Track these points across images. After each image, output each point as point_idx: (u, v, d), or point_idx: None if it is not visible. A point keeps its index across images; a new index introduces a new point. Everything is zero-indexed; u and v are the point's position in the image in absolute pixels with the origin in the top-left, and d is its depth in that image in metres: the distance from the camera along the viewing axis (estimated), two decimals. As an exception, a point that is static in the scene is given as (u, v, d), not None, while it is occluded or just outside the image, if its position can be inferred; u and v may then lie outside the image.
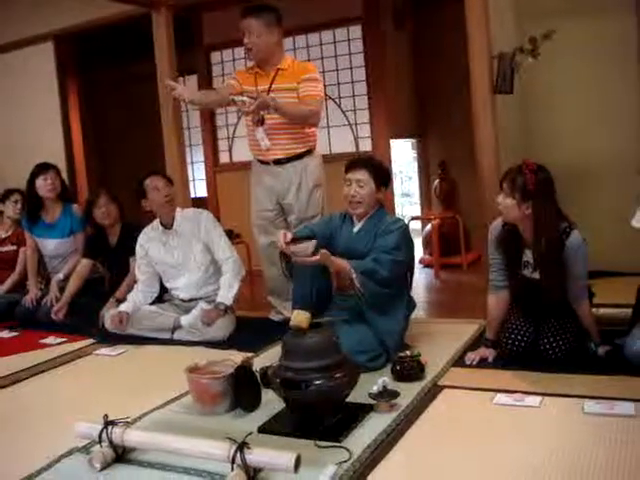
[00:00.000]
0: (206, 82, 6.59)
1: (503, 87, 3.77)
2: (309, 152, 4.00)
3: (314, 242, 3.07)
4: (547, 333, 2.98)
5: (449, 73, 5.87)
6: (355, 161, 3.39)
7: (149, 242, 4.11)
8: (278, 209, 4.06)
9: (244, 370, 2.70)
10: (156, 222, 4.11)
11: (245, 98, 3.69)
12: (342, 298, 3.28)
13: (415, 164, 7.30)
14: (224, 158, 6.68)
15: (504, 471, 2.04)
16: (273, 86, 3.90)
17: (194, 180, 7.12)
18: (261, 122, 3.90)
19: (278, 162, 3.98)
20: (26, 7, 5.77)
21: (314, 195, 4.00)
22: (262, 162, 4.06)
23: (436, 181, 6.45)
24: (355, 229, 3.33)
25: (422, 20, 6.45)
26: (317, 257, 2.99)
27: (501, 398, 2.58)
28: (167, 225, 4.06)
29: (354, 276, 3.08)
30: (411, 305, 3.35)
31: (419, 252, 6.26)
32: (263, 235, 4.14)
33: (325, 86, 5.73)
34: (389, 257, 3.13)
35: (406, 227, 3.30)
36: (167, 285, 4.18)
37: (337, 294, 3.33)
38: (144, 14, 4.89)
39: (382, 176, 3.33)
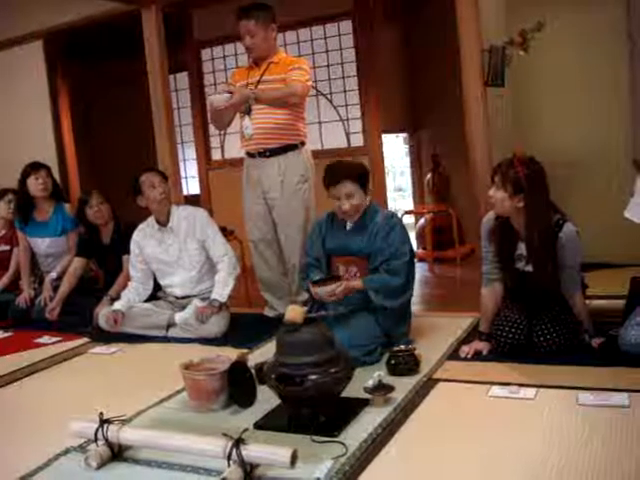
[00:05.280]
0: (197, 79, 6.59)
1: (494, 80, 3.78)
2: (295, 147, 3.98)
3: (339, 284, 3.12)
4: (541, 325, 2.98)
5: (440, 67, 5.87)
6: (335, 174, 3.23)
7: (144, 239, 4.10)
8: (264, 203, 4.06)
9: (239, 366, 2.70)
10: (151, 219, 4.10)
11: (225, 95, 3.71)
12: None
13: (407, 158, 7.31)
14: (216, 155, 6.67)
15: (500, 463, 2.04)
16: (263, 78, 3.93)
17: (186, 178, 7.11)
18: (248, 111, 3.94)
19: (262, 154, 3.98)
20: (14, 6, 5.74)
21: (298, 191, 3.98)
22: (249, 155, 4.08)
23: (428, 175, 6.46)
24: (348, 227, 3.33)
25: (413, 14, 6.46)
26: (338, 296, 3.11)
27: (496, 390, 2.59)
28: (162, 222, 4.05)
29: (372, 296, 3.15)
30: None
31: (413, 246, 6.27)
32: (254, 231, 4.14)
33: (316, 82, 5.75)
34: (400, 262, 3.17)
35: (400, 220, 3.33)
36: (161, 282, 4.17)
37: None
38: (134, 11, 4.87)
39: (365, 178, 3.27)
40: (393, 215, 3.37)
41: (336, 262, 3.36)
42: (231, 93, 3.69)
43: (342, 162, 3.35)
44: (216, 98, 3.72)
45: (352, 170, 3.25)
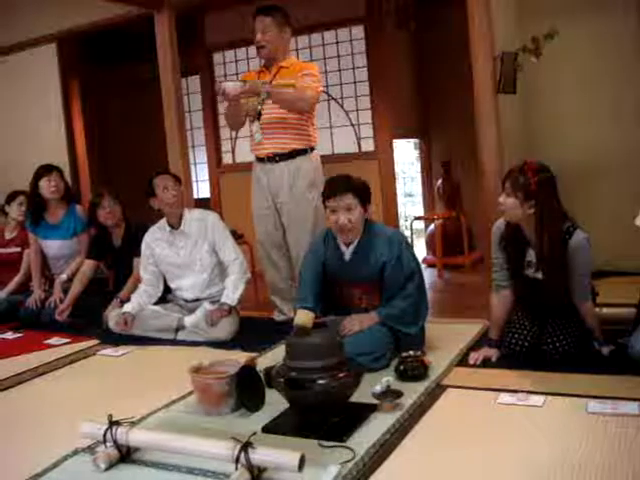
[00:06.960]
0: (208, 83, 6.61)
1: (506, 87, 3.78)
2: (304, 151, 3.99)
3: (350, 319, 3.13)
4: (550, 333, 2.98)
5: (452, 73, 5.86)
6: (335, 185, 3.14)
7: (155, 241, 4.12)
8: (273, 208, 4.08)
9: (248, 370, 2.71)
10: (163, 222, 4.12)
11: (237, 83, 3.79)
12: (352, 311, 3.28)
13: (418, 164, 7.30)
14: (227, 159, 6.68)
15: (508, 470, 2.04)
16: (273, 82, 3.94)
17: (197, 181, 7.13)
18: (258, 116, 3.97)
19: (272, 159, 4.00)
20: (30, 9, 5.79)
21: (307, 196, 3.98)
22: (259, 159, 4.09)
23: (439, 181, 6.45)
24: (347, 256, 3.22)
25: (425, 20, 6.45)
26: (353, 330, 3.07)
27: (505, 397, 2.59)
28: (174, 225, 4.06)
29: (396, 326, 3.14)
30: None
31: (422, 252, 6.27)
32: (263, 234, 4.15)
33: (327, 86, 5.77)
34: (414, 283, 3.16)
35: (403, 237, 3.31)
36: (171, 285, 4.18)
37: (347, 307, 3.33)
38: (147, 15, 4.90)
39: (366, 195, 3.17)
40: (395, 237, 3.24)
41: (337, 285, 3.34)
42: (244, 82, 3.76)
43: (344, 175, 3.20)
44: (228, 85, 3.76)
45: (354, 183, 3.14)
